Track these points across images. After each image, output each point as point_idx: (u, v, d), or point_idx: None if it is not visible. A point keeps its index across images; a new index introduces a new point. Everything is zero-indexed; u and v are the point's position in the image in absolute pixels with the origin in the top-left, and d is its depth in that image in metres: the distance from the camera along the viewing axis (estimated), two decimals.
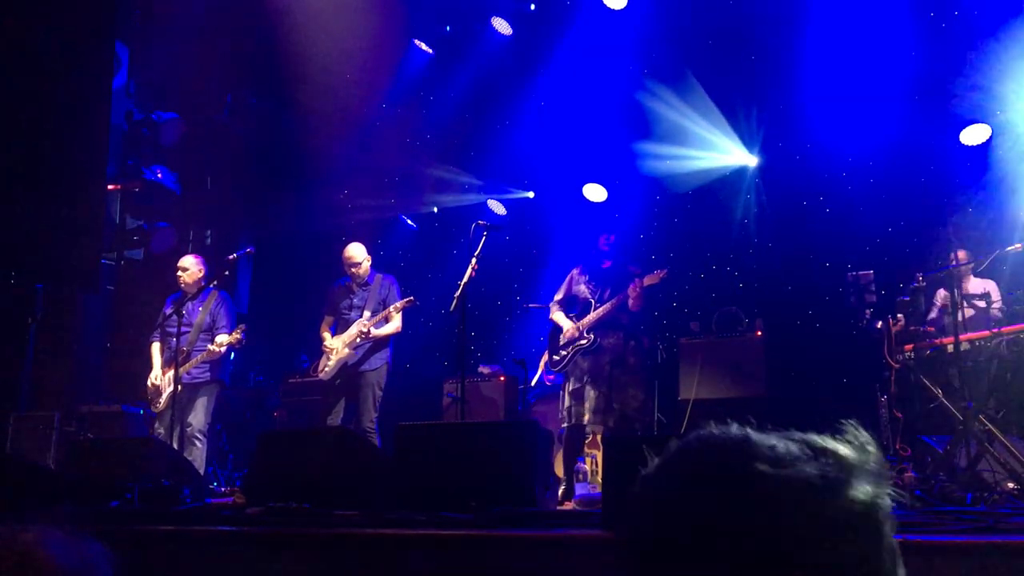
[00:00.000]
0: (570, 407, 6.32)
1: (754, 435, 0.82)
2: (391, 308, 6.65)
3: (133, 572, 1.01)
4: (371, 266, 6.91)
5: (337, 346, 6.63)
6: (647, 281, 6.16)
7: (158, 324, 6.96)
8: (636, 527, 0.81)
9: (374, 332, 6.60)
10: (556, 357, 6.49)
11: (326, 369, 6.65)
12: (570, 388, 6.36)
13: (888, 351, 4.99)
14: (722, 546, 0.74)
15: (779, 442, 0.81)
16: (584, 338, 6.33)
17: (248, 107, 10.11)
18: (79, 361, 8.17)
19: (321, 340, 6.84)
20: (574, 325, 6.43)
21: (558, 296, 6.70)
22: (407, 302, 6.65)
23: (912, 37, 7.85)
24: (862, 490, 0.79)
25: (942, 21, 7.88)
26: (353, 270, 6.80)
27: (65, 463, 5.40)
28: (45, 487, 4.33)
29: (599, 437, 6.11)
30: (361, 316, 6.66)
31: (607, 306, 6.30)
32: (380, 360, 6.69)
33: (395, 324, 6.74)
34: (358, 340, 6.59)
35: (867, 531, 0.78)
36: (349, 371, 6.62)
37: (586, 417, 6.21)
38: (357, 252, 6.83)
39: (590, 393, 6.23)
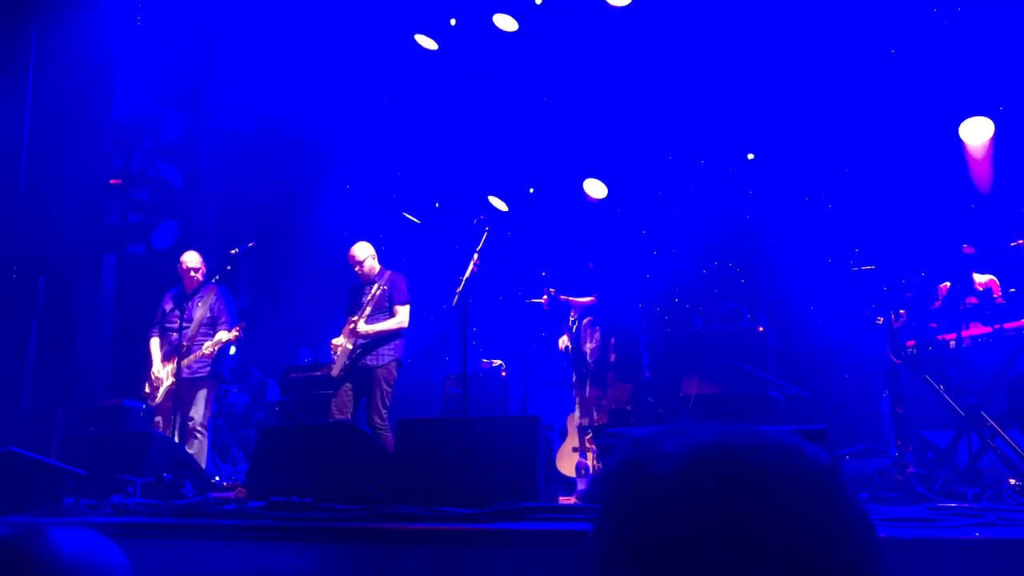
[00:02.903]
0: (576, 409, 6.66)
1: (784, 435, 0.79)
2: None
3: (134, 566, 1.01)
4: (380, 262, 6.86)
5: (341, 343, 6.63)
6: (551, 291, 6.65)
7: (157, 320, 6.95)
8: (650, 529, 0.76)
9: (362, 328, 6.53)
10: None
11: (335, 366, 6.66)
12: (574, 392, 6.65)
13: (890, 346, 4.98)
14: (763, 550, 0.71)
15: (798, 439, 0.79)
16: (566, 346, 6.71)
17: (250, 101, 10.10)
18: (81, 356, 8.17)
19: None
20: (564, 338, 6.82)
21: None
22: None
23: (915, 32, 7.84)
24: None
25: (945, 17, 7.85)
26: (357, 269, 6.76)
27: (67, 457, 5.41)
28: (48, 482, 4.33)
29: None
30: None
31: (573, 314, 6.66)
32: (388, 356, 6.62)
33: (398, 319, 6.64)
34: (354, 337, 6.57)
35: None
36: (358, 367, 6.60)
37: (586, 419, 6.49)
38: (359, 251, 6.77)
39: (583, 394, 6.54)
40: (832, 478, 0.76)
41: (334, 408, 6.58)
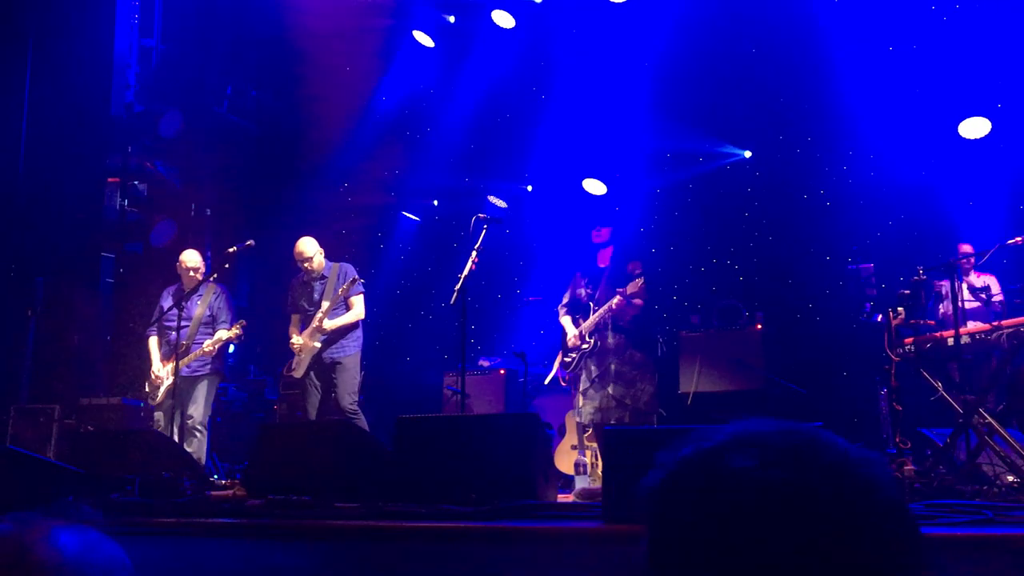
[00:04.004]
0: (582, 406, 6.49)
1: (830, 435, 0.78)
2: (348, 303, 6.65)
3: (134, 564, 1.02)
4: (326, 257, 6.81)
5: (303, 343, 6.60)
6: (629, 290, 6.25)
7: (155, 318, 6.94)
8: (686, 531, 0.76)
9: (327, 324, 6.53)
10: (567, 359, 6.65)
11: (297, 368, 6.63)
12: (581, 388, 6.51)
13: (888, 344, 4.98)
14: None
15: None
16: (586, 342, 6.48)
17: (248, 99, 10.09)
18: (79, 354, 8.17)
19: (289, 339, 6.77)
20: (576, 332, 6.56)
21: (564, 300, 6.82)
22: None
23: (914, 29, 7.84)
24: None
25: (943, 14, 7.86)
26: (305, 265, 6.68)
27: (65, 455, 5.41)
28: (46, 479, 4.33)
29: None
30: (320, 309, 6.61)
31: (599, 313, 6.43)
32: (353, 347, 6.66)
33: (356, 311, 6.68)
34: (318, 335, 6.56)
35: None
36: (324, 364, 6.59)
37: (597, 416, 6.35)
38: (307, 247, 6.68)
39: (598, 393, 6.38)
40: (902, 506, 0.77)
41: (309, 407, 6.61)
